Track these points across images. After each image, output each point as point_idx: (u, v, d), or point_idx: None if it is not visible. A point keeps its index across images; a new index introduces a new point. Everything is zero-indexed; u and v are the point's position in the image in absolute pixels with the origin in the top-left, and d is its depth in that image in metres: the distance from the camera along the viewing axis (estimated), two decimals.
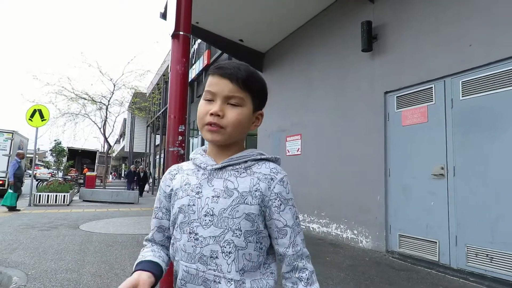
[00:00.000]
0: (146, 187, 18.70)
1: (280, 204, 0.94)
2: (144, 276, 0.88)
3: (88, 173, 20.04)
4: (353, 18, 6.09)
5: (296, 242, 0.95)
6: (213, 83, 0.94)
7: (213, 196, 0.93)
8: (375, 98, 5.60)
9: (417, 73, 4.90)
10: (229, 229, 0.90)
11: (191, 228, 0.92)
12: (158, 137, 24.10)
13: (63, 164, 20.47)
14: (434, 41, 4.68)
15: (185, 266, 0.92)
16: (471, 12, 4.24)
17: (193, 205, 0.94)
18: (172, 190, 1.01)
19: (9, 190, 9.72)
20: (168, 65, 20.35)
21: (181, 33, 3.13)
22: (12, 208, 9.52)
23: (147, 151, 28.17)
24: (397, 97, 5.23)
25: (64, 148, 21.10)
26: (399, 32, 5.26)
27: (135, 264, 0.95)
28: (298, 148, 7.52)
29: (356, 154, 5.90)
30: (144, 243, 1.06)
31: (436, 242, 4.45)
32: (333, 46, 6.71)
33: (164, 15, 7.16)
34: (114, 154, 46.93)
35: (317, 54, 7.16)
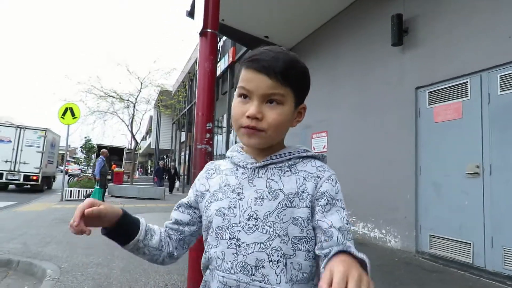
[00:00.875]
0: (177, 183, 18.66)
1: (326, 204, 0.82)
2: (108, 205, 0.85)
3: (116, 169, 20.59)
4: (382, 12, 5.91)
5: (347, 244, 0.77)
6: (248, 78, 0.82)
7: (256, 198, 0.83)
8: (405, 93, 5.42)
9: (450, 67, 4.70)
10: (277, 234, 0.80)
11: (232, 233, 0.82)
12: (183, 134, 24.46)
13: (93, 161, 21.12)
14: (469, 33, 4.47)
15: (223, 277, 0.81)
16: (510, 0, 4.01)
17: (234, 207, 0.84)
18: (207, 190, 0.93)
19: (96, 186, 10.78)
20: (193, 63, 20.59)
21: (209, 30, 3.13)
22: None
23: (173, 148, 28.64)
24: (429, 92, 5.04)
25: (94, 145, 21.75)
26: (431, 25, 5.07)
27: None
28: (324, 145, 7.41)
29: (384, 151, 5.75)
30: (166, 223, 1.00)
31: (470, 243, 4.27)
32: (360, 41, 6.55)
33: (190, 14, 7.21)
34: (140, 151, 47.98)
35: (343, 50, 7.02)
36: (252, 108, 0.81)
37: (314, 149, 7.74)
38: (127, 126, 20.77)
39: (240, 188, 0.87)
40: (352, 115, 6.63)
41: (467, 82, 4.48)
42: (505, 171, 3.96)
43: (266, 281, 0.79)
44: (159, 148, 31.24)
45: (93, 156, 22.04)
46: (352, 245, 0.75)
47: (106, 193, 14.45)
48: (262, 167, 0.88)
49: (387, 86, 5.81)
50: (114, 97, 19.71)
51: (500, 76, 4.09)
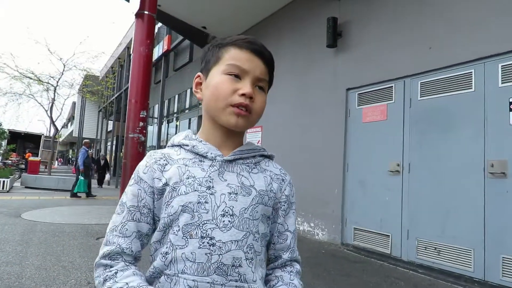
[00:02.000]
0: (107, 176, 16.70)
1: (287, 208, 0.89)
2: None
3: (31, 158, 18.71)
4: (320, 13, 6.12)
5: (294, 248, 0.90)
6: (244, 58, 0.80)
7: (229, 193, 0.79)
8: (337, 94, 5.69)
9: (378, 72, 5.03)
10: (250, 232, 0.78)
11: (204, 231, 0.75)
12: (110, 123, 23.05)
13: (3, 148, 18.92)
14: (396, 41, 4.82)
15: (193, 280, 0.72)
16: (433, 15, 4.41)
17: (206, 202, 0.76)
18: (166, 184, 0.79)
19: (81, 177, 10.21)
20: (124, 48, 19.43)
21: (146, 12, 2.93)
22: (88, 194, 10.52)
23: (98, 137, 26.88)
24: (358, 94, 5.35)
25: (5, 130, 19.50)
26: (363, 31, 5.37)
27: None
28: (259, 141, 7.49)
29: (316, 148, 5.99)
30: (106, 261, 0.75)
31: (389, 236, 4.64)
32: (300, 40, 6.72)
33: None
34: (61, 139, 44.31)
35: (283, 47, 7.14)
36: (247, 87, 0.79)
37: None
38: (46, 111, 18.93)
39: (210, 182, 0.79)
40: (287, 111, 6.78)
41: (392, 86, 4.83)
42: (421, 169, 4.35)
43: (242, 280, 0.76)
44: (83, 136, 29.12)
45: (4, 142, 19.77)
46: (295, 245, 0.91)
47: (19, 184, 13.09)
48: (231, 161, 0.83)
49: (322, 86, 6.05)
50: (31, 78, 17.81)
51: (420, 82, 4.47)
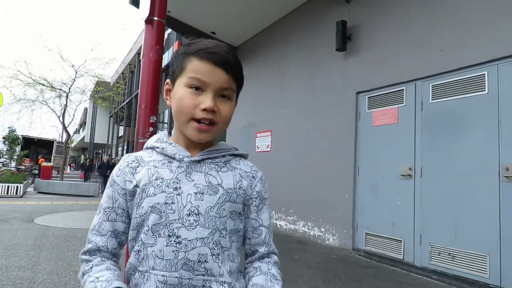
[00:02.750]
0: None
1: (259, 204, 0.92)
2: None
3: (44, 164, 18.97)
4: (329, 17, 6.10)
5: (270, 242, 0.93)
6: (204, 70, 0.80)
7: (196, 193, 0.82)
8: (347, 97, 5.65)
9: (389, 75, 4.98)
10: (217, 229, 0.82)
11: (171, 231, 0.79)
12: (121, 128, 23.30)
13: (16, 154, 19.21)
14: (407, 44, 4.77)
15: (162, 276, 0.78)
16: (444, 17, 4.35)
17: (172, 203, 0.81)
18: (137, 186, 0.84)
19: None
20: (135, 54, 19.67)
21: (155, 18, 2.95)
22: None
23: (109, 142, 27.20)
24: (368, 97, 5.30)
25: (19, 136, 19.81)
26: (373, 34, 5.33)
27: None
28: (268, 145, 7.47)
29: (326, 152, 5.94)
30: (85, 257, 0.82)
31: (401, 241, 4.56)
32: (307, 44, 6.71)
33: (134, 1, 6.83)
34: (73, 145, 44.95)
35: (290, 51, 7.13)
36: (208, 101, 0.80)
37: (258, 148, 7.78)
38: (59, 117, 19.18)
39: (177, 183, 0.83)
40: (296, 115, 6.76)
41: (403, 89, 4.77)
42: (434, 173, 4.28)
43: (209, 274, 0.80)
44: (94, 142, 29.48)
45: (17, 148, 20.08)
46: (272, 238, 0.94)
47: (32, 189, 13.29)
48: (199, 161, 0.87)
49: (331, 89, 6.01)
50: (44, 85, 18.10)
51: (432, 85, 4.41)
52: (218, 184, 0.85)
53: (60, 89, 18.30)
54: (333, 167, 5.76)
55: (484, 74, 3.88)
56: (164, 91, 0.90)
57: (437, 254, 4.12)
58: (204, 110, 0.80)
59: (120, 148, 24.28)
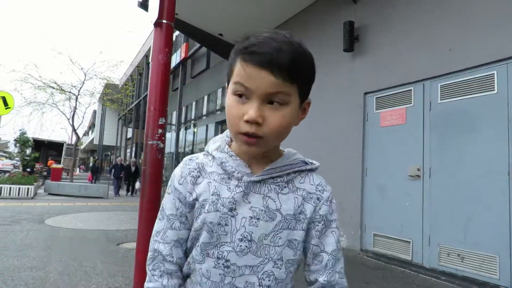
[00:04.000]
0: (137, 184, 15.18)
1: (323, 228, 0.82)
2: None
3: (53, 166, 19.21)
4: (336, 18, 6.10)
5: (334, 271, 0.82)
6: (247, 74, 0.68)
7: (251, 217, 0.75)
8: (354, 98, 5.64)
9: (397, 75, 4.96)
10: (270, 258, 0.76)
11: (220, 253, 0.75)
12: (130, 130, 23.48)
13: (26, 156, 19.49)
14: (415, 44, 4.75)
15: None
16: (452, 16, 4.33)
17: (226, 225, 0.75)
18: (196, 199, 0.79)
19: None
20: (143, 56, 19.82)
21: (164, 21, 2.99)
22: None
23: (118, 144, 27.42)
24: (376, 98, 5.29)
25: (30, 139, 20.10)
26: (380, 34, 5.32)
27: None
28: None
29: (334, 153, 5.93)
30: (151, 268, 0.80)
31: (409, 242, 4.53)
32: (314, 44, 6.70)
33: (143, 4, 6.91)
34: (82, 147, 45.41)
35: None
36: (251, 112, 0.68)
37: None
38: (68, 119, 19.46)
39: (233, 203, 0.76)
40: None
41: (411, 89, 4.75)
42: (443, 174, 4.25)
43: None
44: (103, 144, 29.75)
45: (28, 151, 20.36)
46: (340, 266, 0.83)
47: (42, 191, 13.47)
48: (258, 181, 0.78)
49: (338, 90, 6.00)
50: (54, 88, 18.38)
51: (440, 85, 4.39)
52: (277, 209, 0.77)
53: (70, 92, 18.57)
54: (340, 168, 5.74)
55: (493, 73, 3.85)
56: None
57: (446, 255, 4.09)
58: (247, 121, 0.69)
59: (128, 150, 24.47)
